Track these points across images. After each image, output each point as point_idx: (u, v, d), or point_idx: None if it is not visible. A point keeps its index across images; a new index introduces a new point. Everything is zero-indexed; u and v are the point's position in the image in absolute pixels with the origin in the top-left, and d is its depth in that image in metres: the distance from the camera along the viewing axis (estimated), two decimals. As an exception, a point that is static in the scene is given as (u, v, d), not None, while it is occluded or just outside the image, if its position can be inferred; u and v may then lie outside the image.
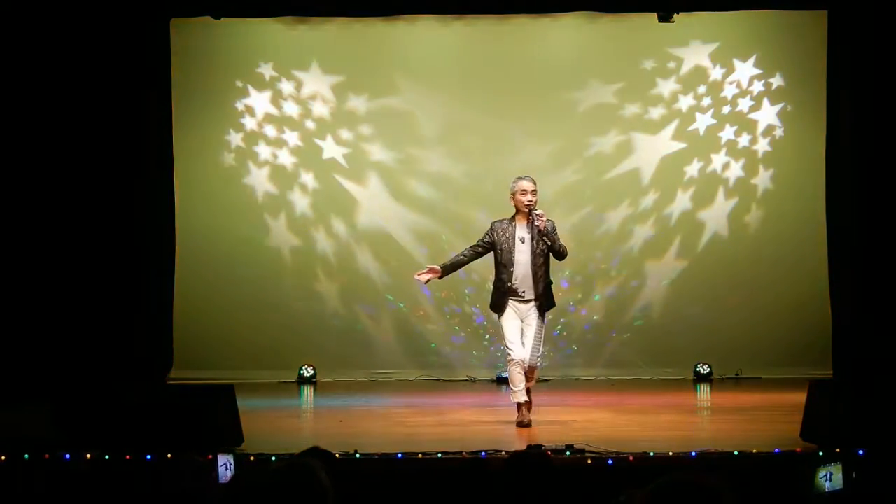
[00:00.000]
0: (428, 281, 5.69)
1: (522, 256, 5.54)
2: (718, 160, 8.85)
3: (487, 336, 8.63)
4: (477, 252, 5.69)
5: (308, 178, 8.94)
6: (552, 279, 5.70)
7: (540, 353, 5.68)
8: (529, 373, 5.70)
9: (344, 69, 8.80)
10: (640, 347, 8.73)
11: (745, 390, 7.87)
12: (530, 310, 5.64)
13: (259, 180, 8.85)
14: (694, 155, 8.84)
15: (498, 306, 5.71)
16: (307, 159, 8.89)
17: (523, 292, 5.60)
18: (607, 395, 7.51)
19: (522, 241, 5.52)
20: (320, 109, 8.83)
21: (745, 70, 8.76)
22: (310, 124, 8.87)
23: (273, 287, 8.79)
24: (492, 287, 5.82)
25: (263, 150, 8.89)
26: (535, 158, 8.72)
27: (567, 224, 8.59)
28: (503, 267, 5.59)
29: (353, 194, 8.89)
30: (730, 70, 8.80)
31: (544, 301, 5.68)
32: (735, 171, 8.83)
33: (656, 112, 8.79)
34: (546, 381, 8.40)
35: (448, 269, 5.68)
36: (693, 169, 8.86)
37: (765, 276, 8.65)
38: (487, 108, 8.71)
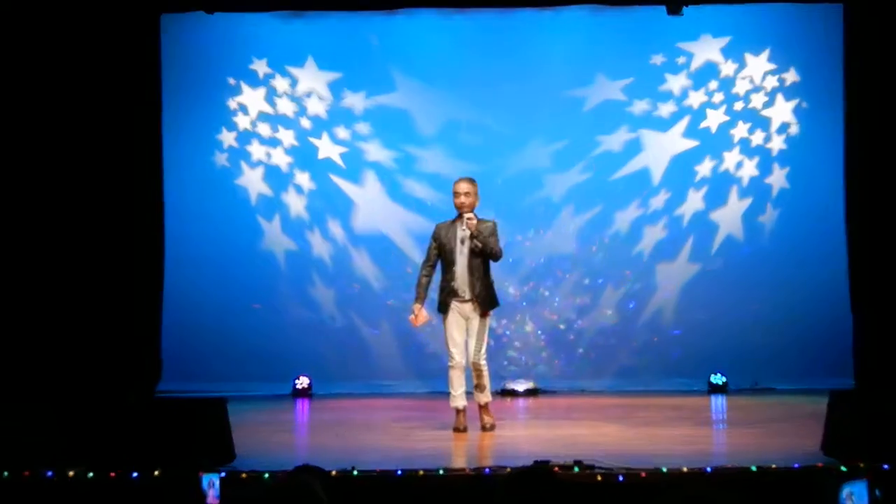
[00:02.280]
0: (427, 319, 5.82)
1: (461, 257, 5.71)
2: (731, 158, 8.82)
3: (492, 342, 8.15)
4: (433, 264, 5.85)
5: (303, 179, 8.93)
6: (492, 278, 5.82)
7: (483, 350, 5.73)
8: (476, 372, 5.76)
9: (340, 65, 8.78)
10: (651, 356, 8.72)
11: (762, 401, 7.81)
12: (471, 310, 5.78)
13: (252, 181, 8.85)
14: (706, 153, 8.81)
15: (442, 306, 5.88)
16: (302, 159, 8.88)
17: (463, 292, 5.75)
18: (617, 408, 7.44)
19: (462, 241, 5.67)
20: (316, 107, 8.82)
21: (759, 65, 8.71)
22: (305, 122, 8.86)
23: (267, 293, 8.78)
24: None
25: (257, 150, 8.89)
26: (539, 158, 8.77)
27: (573, 226, 8.75)
28: (446, 267, 5.77)
29: (350, 195, 8.87)
30: (742, 65, 8.74)
31: (484, 300, 5.77)
32: (749, 169, 8.79)
33: (666, 109, 8.76)
34: (552, 392, 8.44)
35: (425, 296, 5.90)
36: (705, 168, 8.83)
37: (781, 280, 8.59)
38: (489, 106, 8.69)
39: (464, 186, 5.77)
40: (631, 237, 8.82)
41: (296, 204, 8.91)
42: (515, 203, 8.71)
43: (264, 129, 8.90)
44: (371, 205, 8.84)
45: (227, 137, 8.88)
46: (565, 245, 8.81)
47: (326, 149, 8.90)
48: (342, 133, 8.89)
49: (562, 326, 8.84)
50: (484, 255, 5.69)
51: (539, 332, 8.84)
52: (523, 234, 8.83)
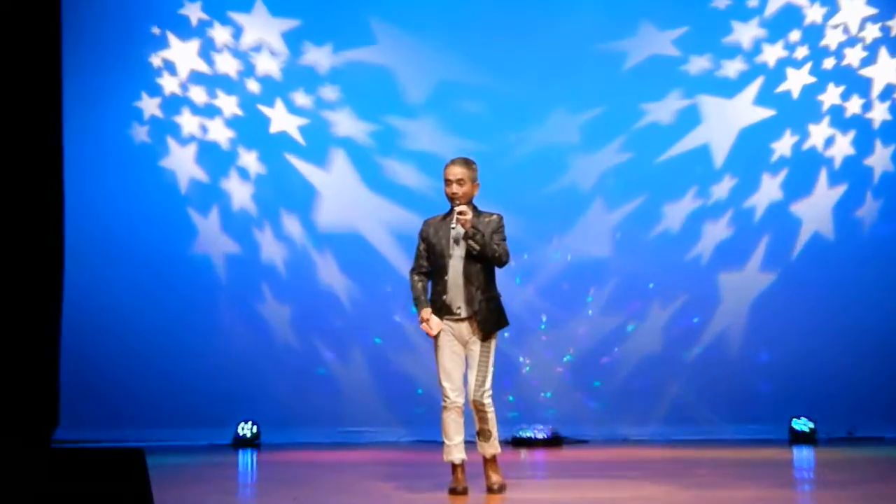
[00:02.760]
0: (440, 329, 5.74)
1: (455, 262, 5.64)
2: (819, 133, 8.88)
3: (499, 374, 8.41)
4: (426, 270, 5.80)
5: (250, 160, 8.97)
6: (497, 290, 5.72)
7: (487, 385, 5.65)
8: (479, 414, 5.72)
9: (300, 10, 8.83)
10: (714, 395, 8.75)
11: (860, 455, 7.80)
12: (469, 332, 5.68)
13: (182, 163, 8.87)
14: (785, 126, 8.87)
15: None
16: (249, 134, 8.92)
17: (458, 308, 5.65)
18: (666, 463, 7.42)
19: (457, 242, 5.61)
20: (267, 65, 8.87)
21: (855, 8, 8.76)
22: (252, 86, 8.91)
23: (200, 312, 8.77)
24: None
25: (188, 122, 8.93)
26: (563, 132, 8.78)
27: (608, 223, 8.76)
28: (436, 275, 5.70)
29: (313, 182, 8.89)
30: (834, 8, 8.82)
31: (486, 318, 5.67)
32: (842, 147, 8.84)
33: (732, 67, 8.85)
34: (580, 442, 8.49)
35: (427, 301, 5.82)
36: (784, 145, 8.88)
37: (884, 295, 8.61)
38: (497, 65, 8.72)
39: (457, 171, 5.66)
40: (685, 237, 8.85)
41: (240, 193, 8.94)
42: (531, 192, 8.74)
43: (198, 95, 8.95)
44: (340, 195, 8.86)
45: (149, 105, 8.90)
46: (597, 247, 8.85)
47: (281, 120, 8.93)
48: (302, 99, 8.93)
49: (594, 355, 8.89)
50: (484, 259, 5.61)
51: (563, 360, 8.91)
52: (541, 232, 8.87)
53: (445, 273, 5.60)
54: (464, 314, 5.61)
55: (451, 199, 5.59)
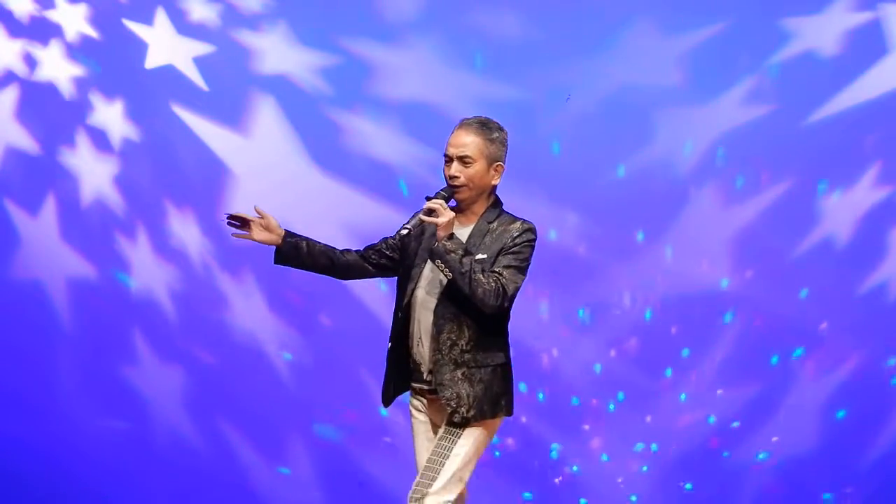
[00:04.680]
0: (244, 227, 4.78)
1: (422, 292, 4.76)
2: None
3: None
4: (363, 255, 4.92)
5: (110, 117, 7.11)
6: (502, 354, 4.77)
7: (439, 484, 4.72)
8: None
9: None
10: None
11: None
12: (438, 411, 4.84)
13: None
14: None
15: (387, 398, 4.94)
16: (109, 71, 7.10)
17: (425, 373, 4.76)
18: None
19: (433, 257, 4.73)
20: None
21: None
22: None
23: (24, 378, 7.14)
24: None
25: (2, 48, 7.14)
26: (651, 69, 7.09)
27: (725, 226, 7.22)
28: (396, 308, 4.88)
29: (221, 155, 7.12)
30: None
31: (464, 399, 4.71)
32: None
33: None
34: None
35: (297, 242, 4.84)
36: None
37: None
38: None
39: (463, 140, 4.72)
40: (860, 251, 7.16)
41: (94, 174, 7.10)
42: (595, 171, 7.11)
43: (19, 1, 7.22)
44: (267, 176, 7.22)
45: None
46: (707, 269, 7.22)
47: (165, 47, 7.09)
48: (201, 10, 7.04)
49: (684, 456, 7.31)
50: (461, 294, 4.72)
51: (626, 465, 7.40)
52: (612, 242, 7.24)
53: (410, 306, 4.78)
54: (430, 385, 4.75)
55: (450, 186, 4.74)
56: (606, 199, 7.16)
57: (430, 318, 4.69)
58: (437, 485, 4.62)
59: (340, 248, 4.92)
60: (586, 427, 7.48)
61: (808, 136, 7.07)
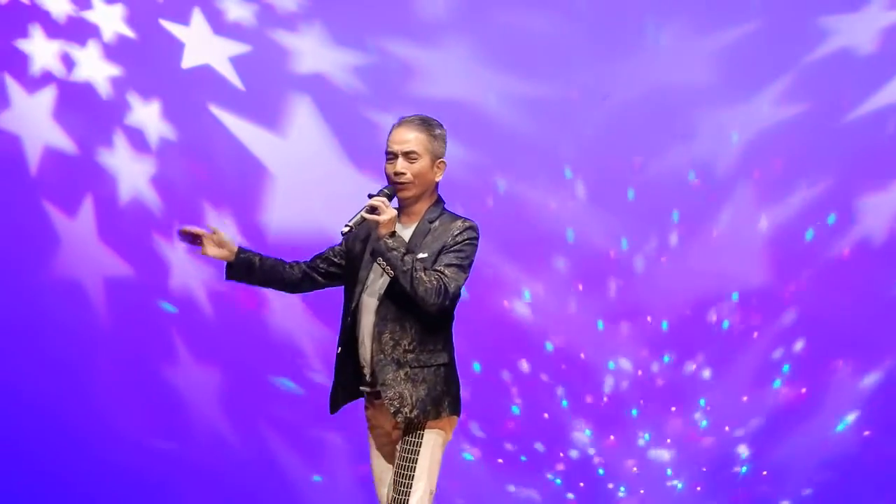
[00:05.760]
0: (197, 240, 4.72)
1: (369, 294, 4.74)
2: None
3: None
4: (311, 265, 4.86)
5: (147, 117, 7.08)
6: (446, 353, 4.74)
7: (410, 499, 4.76)
8: None
9: None
10: None
11: None
12: (388, 419, 4.78)
13: (30, 121, 7.13)
14: None
15: (335, 404, 4.88)
16: (145, 71, 7.08)
17: (368, 374, 4.73)
18: None
19: (375, 256, 4.73)
20: None
21: None
22: None
23: (64, 376, 7.12)
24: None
25: (41, 49, 7.11)
26: (684, 67, 7.06)
27: (763, 228, 7.08)
28: (344, 312, 4.84)
29: (258, 154, 7.07)
30: None
31: (407, 399, 4.68)
32: None
33: None
34: None
35: (248, 257, 4.80)
36: None
37: None
38: None
39: (405, 135, 4.74)
40: None
41: (131, 174, 7.11)
42: (624, 170, 7.03)
43: (57, 2, 7.13)
44: (304, 176, 7.19)
45: None
46: (748, 273, 7.09)
47: (201, 47, 7.07)
48: (237, 10, 7.00)
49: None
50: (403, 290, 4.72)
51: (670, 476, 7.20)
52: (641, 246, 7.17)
53: (356, 309, 4.73)
54: (373, 386, 4.74)
55: (393, 184, 4.72)
56: (642, 198, 7.09)
57: (374, 315, 4.72)
58: (410, 498, 4.69)
59: (289, 262, 4.92)
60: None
61: (845, 134, 6.98)
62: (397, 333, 4.65)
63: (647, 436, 7.30)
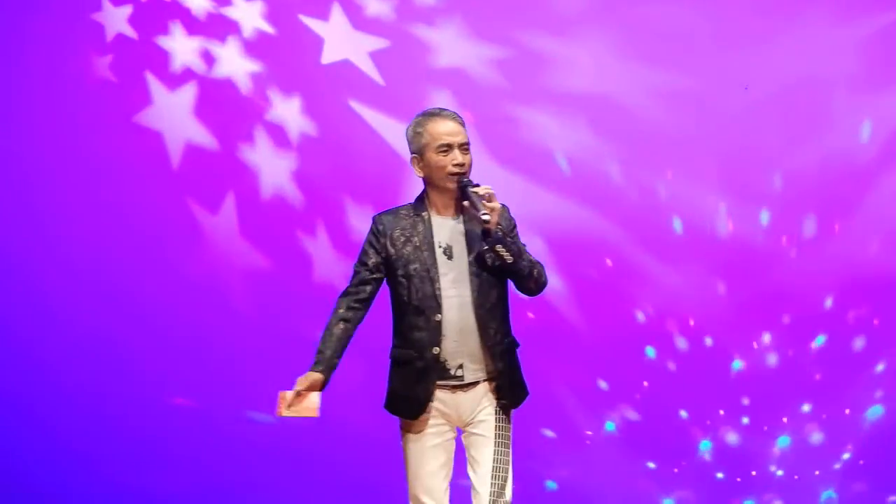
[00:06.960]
0: (315, 409, 4.64)
1: (454, 287, 4.64)
2: None
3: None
4: (364, 297, 4.73)
5: (288, 113, 7.04)
6: (513, 338, 4.77)
7: (508, 494, 4.67)
8: None
9: None
10: None
11: None
12: (480, 406, 4.67)
13: (172, 118, 7.10)
14: None
15: (406, 405, 4.67)
16: (286, 67, 7.06)
17: (460, 367, 4.60)
18: None
19: (449, 253, 4.61)
20: None
21: None
22: None
23: (202, 370, 7.14)
24: (390, 360, 4.88)
25: (182, 46, 7.13)
26: (828, 56, 6.87)
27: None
28: (417, 312, 4.63)
29: (399, 149, 6.90)
30: None
31: (508, 384, 4.68)
32: None
33: None
34: None
35: (332, 362, 4.67)
36: None
37: None
38: None
39: (458, 129, 4.70)
40: None
41: (272, 170, 7.08)
42: (759, 163, 6.84)
43: None
44: None
45: (114, 17, 7.15)
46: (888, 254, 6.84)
47: (340, 43, 7.07)
48: (376, 6, 7.01)
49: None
50: (516, 278, 4.64)
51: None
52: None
53: (437, 310, 4.61)
54: (469, 378, 4.61)
55: (454, 175, 4.62)
56: (783, 189, 6.94)
57: (470, 307, 4.62)
58: (507, 493, 4.62)
59: (343, 314, 4.76)
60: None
61: None
62: (496, 321, 4.64)
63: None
